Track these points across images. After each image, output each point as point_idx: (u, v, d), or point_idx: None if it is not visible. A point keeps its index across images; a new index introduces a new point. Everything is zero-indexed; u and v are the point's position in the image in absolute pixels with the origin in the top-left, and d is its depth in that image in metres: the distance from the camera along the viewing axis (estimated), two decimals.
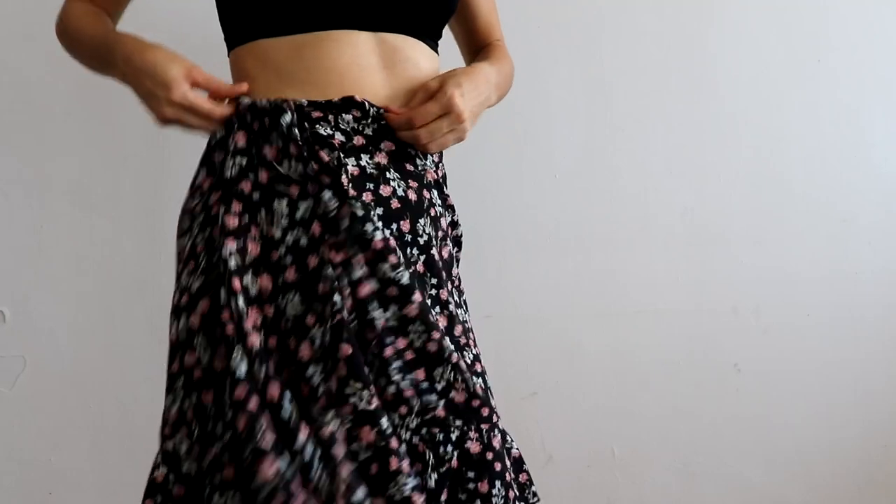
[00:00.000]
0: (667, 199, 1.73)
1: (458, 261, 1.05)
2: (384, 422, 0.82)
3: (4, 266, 1.52)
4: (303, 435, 0.79)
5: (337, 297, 0.83)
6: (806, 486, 1.82)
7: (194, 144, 1.14)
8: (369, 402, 0.81)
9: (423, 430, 0.88)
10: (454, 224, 1.01)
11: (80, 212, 1.53)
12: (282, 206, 0.86)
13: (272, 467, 0.77)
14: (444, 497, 0.86)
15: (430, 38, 0.99)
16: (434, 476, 0.87)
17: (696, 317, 1.75)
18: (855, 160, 1.80)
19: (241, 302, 0.82)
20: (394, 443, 0.81)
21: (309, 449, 0.79)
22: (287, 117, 0.88)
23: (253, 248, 0.85)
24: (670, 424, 1.76)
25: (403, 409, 0.87)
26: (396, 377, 0.86)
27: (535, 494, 0.98)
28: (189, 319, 0.86)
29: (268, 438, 0.78)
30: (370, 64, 0.92)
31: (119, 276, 1.53)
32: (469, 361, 0.93)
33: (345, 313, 0.83)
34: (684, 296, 1.75)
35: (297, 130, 0.88)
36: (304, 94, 0.91)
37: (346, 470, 0.78)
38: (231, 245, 0.84)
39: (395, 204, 0.90)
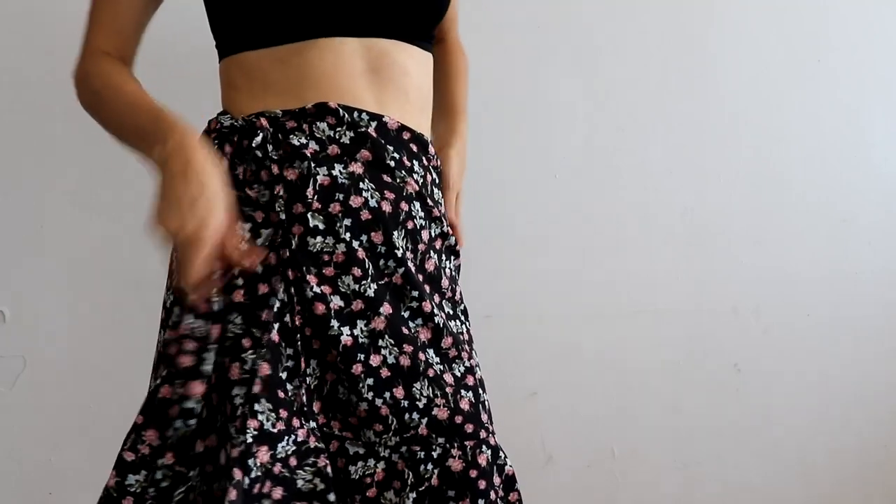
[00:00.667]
0: (667, 199, 1.73)
1: (458, 269, 1.03)
2: (281, 447, 0.81)
3: (4, 266, 1.52)
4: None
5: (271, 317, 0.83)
6: (806, 486, 1.82)
7: None
8: (274, 426, 0.81)
9: (403, 448, 0.87)
10: (444, 235, 0.98)
11: (80, 212, 1.53)
12: (245, 230, 0.86)
13: (113, 480, 0.82)
14: None
15: (422, 39, 0.98)
16: (413, 495, 0.85)
17: (696, 317, 1.75)
18: (855, 160, 1.80)
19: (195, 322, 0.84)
20: (277, 468, 0.81)
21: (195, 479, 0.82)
22: (258, 138, 0.87)
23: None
24: (670, 424, 1.76)
25: (379, 427, 0.86)
26: (368, 395, 0.85)
27: None
28: (165, 334, 0.90)
29: (129, 456, 0.83)
30: (354, 69, 0.91)
31: (119, 276, 1.53)
32: (459, 374, 0.91)
33: (273, 335, 0.83)
34: (684, 296, 1.75)
35: (270, 147, 0.87)
36: (284, 103, 0.90)
37: (234, 493, 0.78)
38: None
39: (365, 215, 0.88)
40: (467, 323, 0.99)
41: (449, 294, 0.96)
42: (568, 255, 1.70)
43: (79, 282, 1.53)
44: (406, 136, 0.94)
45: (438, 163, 1.03)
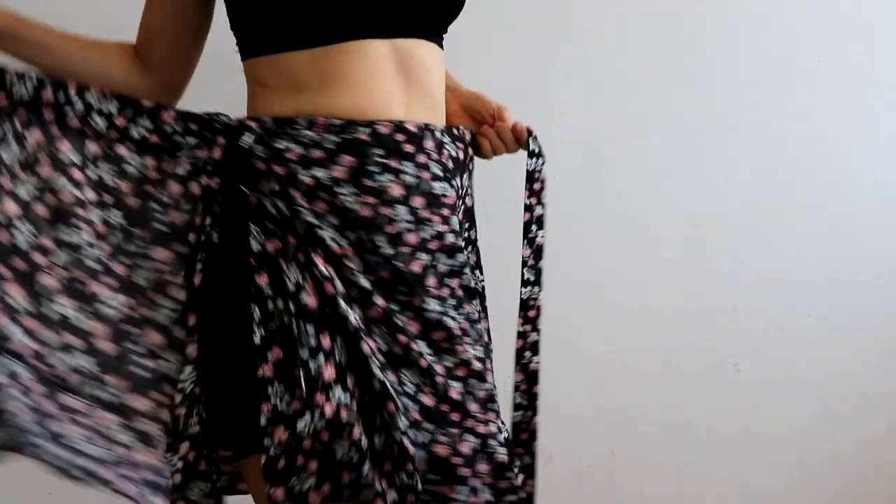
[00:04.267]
0: (667, 199, 1.73)
1: (475, 257, 1.07)
2: (300, 424, 0.86)
3: None
4: None
5: (270, 305, 0.89)
6: (806, 486, 1.82)
7: None
8: (288, 406, 0.87)
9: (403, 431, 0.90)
10: (440, 235, 0.97)
11: None
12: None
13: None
14: (410, 499, 0.88)
15: (439, 35, 1.02)
16: (403, 475, 0.89)
17: (696, 317, 1.75)
18: (855, 160, 1.80)
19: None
20: (306, 444, 0.86)
21: None
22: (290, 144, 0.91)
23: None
24: (670, 424, 1.76)
25: (391, 407, 0.89)
26: (377, 373, 0.89)
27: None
28: None
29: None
30: (384, 70, 0.94)
31: None
32: (450, 365, 0.94)
33: (285, 318, 0.88)
34: (684, 296, 1.75)
35: (260, 148, 0.92)
36: (316, 106, 0.93)
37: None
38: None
39: (351, 215, 0.91)
40: (469, 316, 1.00)
41: (446, 290, 0.97)
42: (568, 255, 1.70)
43: None
44: (430, 143, 0.96)
45: (459, 145, 1.05)
